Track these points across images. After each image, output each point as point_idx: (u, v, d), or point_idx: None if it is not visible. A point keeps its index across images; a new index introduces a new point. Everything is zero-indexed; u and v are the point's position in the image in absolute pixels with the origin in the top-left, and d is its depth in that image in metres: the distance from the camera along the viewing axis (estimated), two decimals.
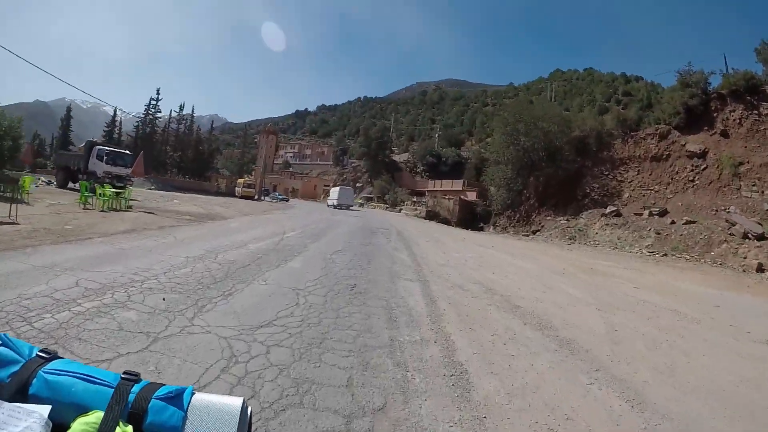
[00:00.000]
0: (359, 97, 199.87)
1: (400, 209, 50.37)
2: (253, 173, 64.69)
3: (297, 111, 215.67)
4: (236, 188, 51.88)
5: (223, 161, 78.87)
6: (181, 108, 61.00)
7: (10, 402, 0.80)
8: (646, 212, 26.69)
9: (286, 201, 51.05)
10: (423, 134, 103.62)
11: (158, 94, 59.06)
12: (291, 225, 16.78)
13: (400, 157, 75.72)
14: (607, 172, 32.33)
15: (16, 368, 0.89)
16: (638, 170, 30.86)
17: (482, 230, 37.00)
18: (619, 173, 31.64)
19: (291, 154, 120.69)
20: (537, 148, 33.81)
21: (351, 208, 44.33)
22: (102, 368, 0.97)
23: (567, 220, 30.54)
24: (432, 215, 40.18)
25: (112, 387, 0.88)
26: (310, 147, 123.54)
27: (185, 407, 0.86)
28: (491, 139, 38.55)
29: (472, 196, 46.46)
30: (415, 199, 52.67)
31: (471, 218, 40.81)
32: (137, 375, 0.92)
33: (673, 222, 24.15)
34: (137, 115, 59.01)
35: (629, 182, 30.84)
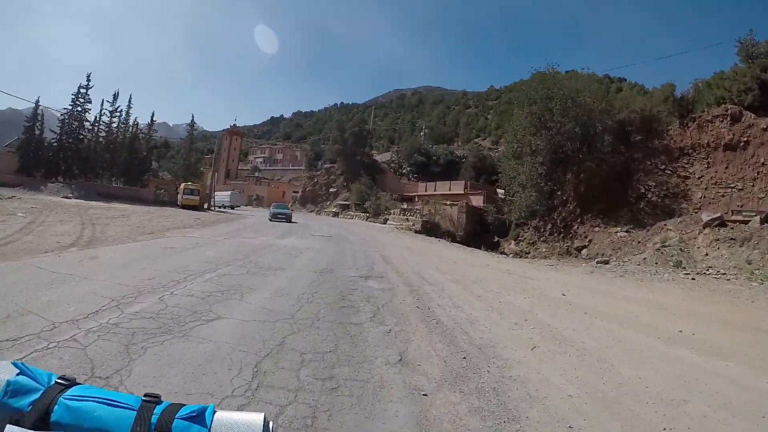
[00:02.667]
0: (336, 103, 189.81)
1: (386, 219, 39.77)
2: (203, 177, 53.45)
3: (272, 117, 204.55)
4: (178, 195, 41.07)
5: (164, 163, 67.10)
6: (115, 97, 48.46)
7: (32, 430, 0.80)
8: (756, 218, 17.97)
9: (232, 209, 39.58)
10: (404, 136, 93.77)
11: (88, 80, 46.49)
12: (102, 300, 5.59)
13: (381, 157, 64.89)
14: (663, 166, 23.91)
15: (36, 396, 0.87)
16: (708, 163, 22.64)
17: (499, 247, 27.51)
18: (682, 167, 23.37)
19: (261, 159, 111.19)
20: (574, 135, 24.68)
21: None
22: (122, 392, 0.84)
23: (627, 231, 21.84)
24: (430, 227, 30.07)
25: (134, 410, 0.87)
26: (282, 151, 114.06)
27: (208, 425, 0.85)
28: (509, 126, 29.00)
29: (477, 200, 36.51)
30: (404, 206, 42.06)
31: (481, 230, 31.07)
32: (158, 396, 0.90)
33: None
34: (61, 109, 47.35)
35: (698, 178, 22.58)
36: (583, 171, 24.96)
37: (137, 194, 42.69)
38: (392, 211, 41.66)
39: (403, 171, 58.55)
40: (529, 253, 25.13)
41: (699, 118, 23.63)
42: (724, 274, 15.15)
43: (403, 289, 8.35)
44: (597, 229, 23.44)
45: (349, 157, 55.93)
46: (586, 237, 23.47)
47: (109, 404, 0.87)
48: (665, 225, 20.41)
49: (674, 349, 5.86)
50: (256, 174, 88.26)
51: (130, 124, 49.75)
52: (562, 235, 24.65)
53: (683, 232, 19.06)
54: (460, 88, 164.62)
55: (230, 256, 10.80)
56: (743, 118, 22.14)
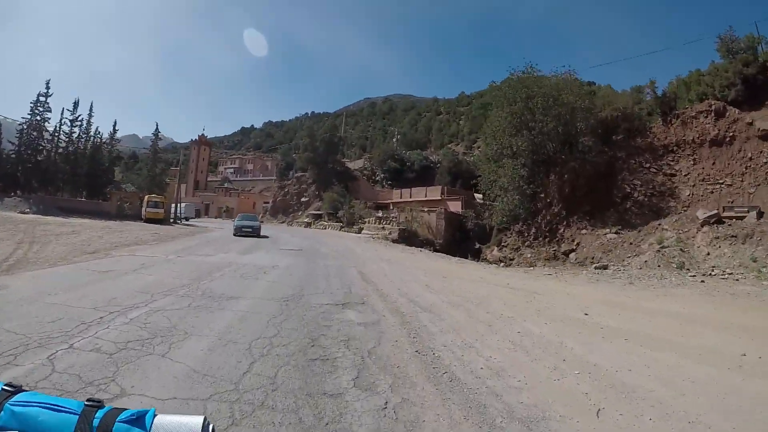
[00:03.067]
0: (307, 113, 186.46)
1: (360, 229, 37.88)
2: (169, 189, 50.90)
3: (242, 128, 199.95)
4: (143, 208, 38.70)
5: (129, 175, 63.99)
6: (75, 105, 45.28)
7: None
8: (752, 214, 17.40)
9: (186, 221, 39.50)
10: (376, 144, 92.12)
11: (47, 88, 43.57)
12: None
13: (354, 164, 63.02)
14: (648, 165, 23.10)
15: None
16: (694, 159, 21.76)
17: (481, 254, 26.22)
18: (667, 164, 22.54)
19: (231, 170, 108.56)
20: (557, 134, 23.98)
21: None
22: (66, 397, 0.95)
23: (616, 233, 20.75)
24: (407, 236, 28.47)
25: (77, 414, 0.88)
26: (252, 161, 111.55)
27: (148, 428, 0.86)
28: (487, 127, 27.74)
29: (455, 206, 35.09)
30: (379, 214, 40.18)
31: (461, 237, 29.66)
32: (100, 401, 0.91)
33: None
34: (19, 119, 44.21)
35: (685, 175, 21.67)
36: (566, 172, 23.95)
37: (99, 208, 40.22)
38: (367, 219, 39.86)
39: (377, 178, 56.68)
40: (513, 259, 23.95)
41: (683, 115, 22.96)
42: (730, 273, 14.26)
43: (393, 321, 6.60)
44: (584, 231, 22.41)
45: (320, 165, 53.82)
46: (573, 240, 22.43)
47: (53, 409, 0.87)
48: (659, 224, 19.55)
49: (755, 383, 4.51)
50: (226, 185, 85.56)
51: (92, 134, 46.81)
52: (548, 239, 23.55)
53: (680, 231, 18.20)
54: (430, 95, 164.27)
55: (175, 280, 8.87)
56: (727, 114, 21.61)
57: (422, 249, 25.26)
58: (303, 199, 56.07)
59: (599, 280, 12.86)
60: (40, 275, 8.86)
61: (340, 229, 40.73)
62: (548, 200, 24.37)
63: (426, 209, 32.37)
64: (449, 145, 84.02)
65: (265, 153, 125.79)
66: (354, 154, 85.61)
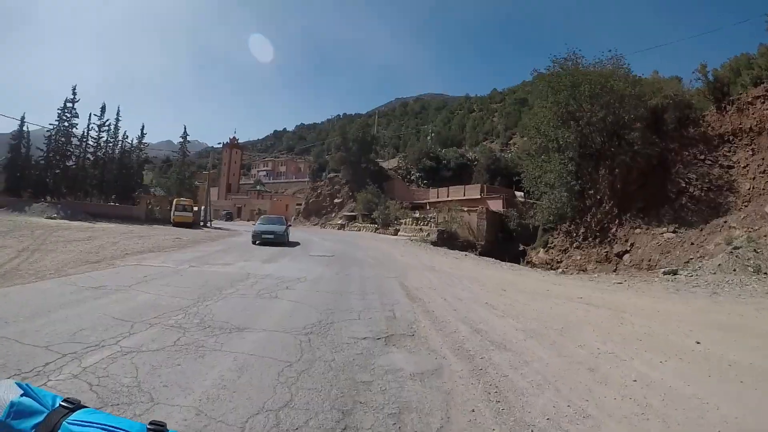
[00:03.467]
0: (338, 114, 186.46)
1: (397, 230, 36.55)
2: (199, 192, 50.84)
3: (275, 131, 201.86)
4: (171, 212, 38.52)
5: (160, 179, 64.31)
6: (103, 110, 46.10)
7: None
8: None
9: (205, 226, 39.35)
10: (410, 143, 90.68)
11: (74, 94, 44.40)
12: None
13: (388, 164, 62.03)
14: (702, 156, 21.30)
15: (39, 419, 0.83)
16: (753, 149, 19.83)
17: (525, 255, 24.78)
18: (723, 155, 20.75)
19: (264, 173, 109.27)
20: (605, 125, 22.14)
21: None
22: (128, 418, 0.90)
23: (674, 232, 19.10)
24: (447, 238, 27.10)
25: None
26: (285, 164, 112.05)
27: None
28: (530, 120, 26.11)
29: (495, 205, 33.55)
30: (416, 215, 38.67)
31: (504, 238, 28.15)
32: (163, 425, 0.86)
33: None
34: (47, 125, 44.98)
35: (744, 167, 19.79)
36: (616, 166, 22.41)
37: (129, 212, 40.79)
38: (403, 220, 38.54)
39: (412, 177, 55.18)
40: (561, 261, 22.61)
41: (737, 101, 21.01)
42: None
43: (459, 369, 4.82)
44: (638, 230, 20.85)
45: (353, 165, 52.78)
46: (626, 240, 20.92)
47: (113, 431, 0.82)
48: (725, 222, 17.87)
49: None
50: (258, 188, 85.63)
51: (119, 138, 47.45)
52: (598, 239, 22.03)
53: (750, 229, 16.41)
54: (461, 93, 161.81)
55: (172, 301, 7.47)
56: None
57: (467, 253, 23.73)
58: (336, 200, 55.21)
59: (679, 290, 11.15)
60: (12, 293, 7.54)
61: (374, 231, 39.67)
62: (598, 197, 22.81)
63: (465, 209, 30.96)
64: (484, 143, 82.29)
65: (297, 155, 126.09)
66: (387, 153, 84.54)
